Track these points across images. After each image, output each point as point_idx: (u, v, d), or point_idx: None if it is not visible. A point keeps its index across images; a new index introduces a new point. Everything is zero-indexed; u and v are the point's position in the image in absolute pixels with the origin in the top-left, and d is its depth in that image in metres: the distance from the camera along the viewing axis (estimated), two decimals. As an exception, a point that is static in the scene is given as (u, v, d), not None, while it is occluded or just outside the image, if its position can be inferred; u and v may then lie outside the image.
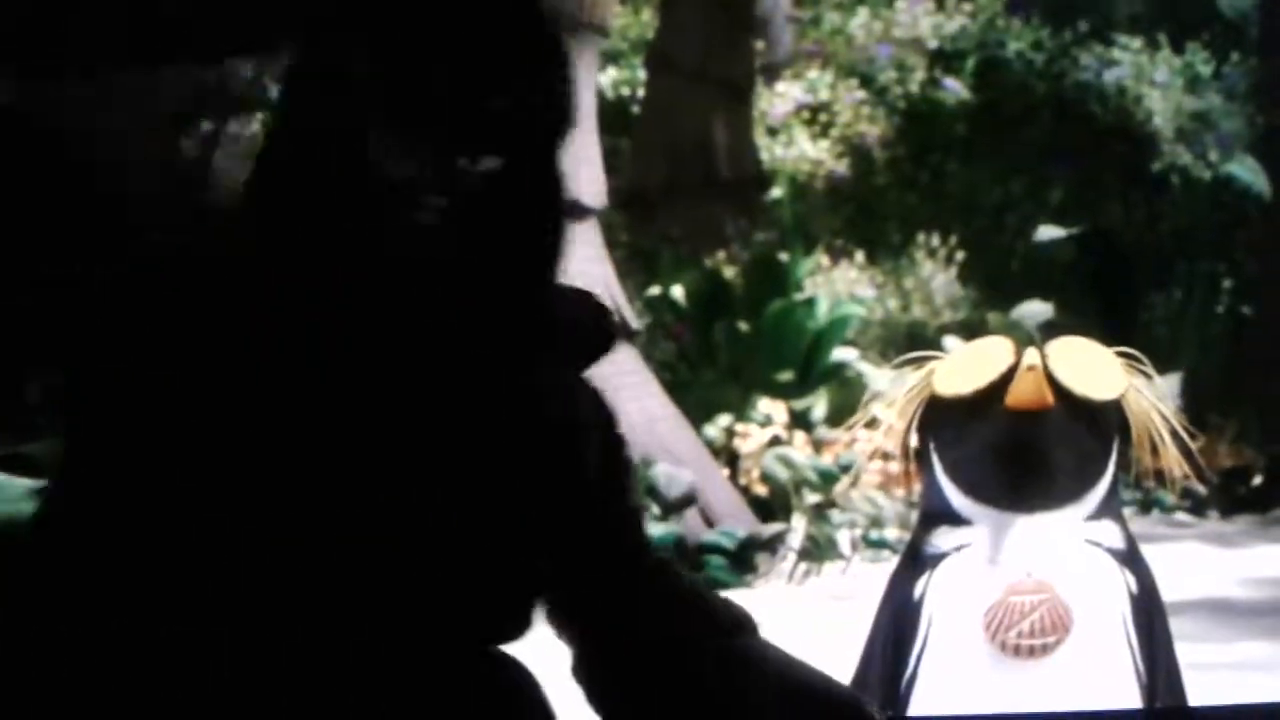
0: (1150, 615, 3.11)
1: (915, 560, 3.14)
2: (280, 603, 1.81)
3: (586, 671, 2.03)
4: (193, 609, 1.80)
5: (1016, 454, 3.06)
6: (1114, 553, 3.10)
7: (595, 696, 2.04)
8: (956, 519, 3.10)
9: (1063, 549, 3.06)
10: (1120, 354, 3.14)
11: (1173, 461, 3.08)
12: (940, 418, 3.11)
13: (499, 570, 1.88)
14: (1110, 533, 3.11)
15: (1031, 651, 3.01)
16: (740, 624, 2.07)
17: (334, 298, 1.81)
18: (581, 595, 2.01)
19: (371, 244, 1.80)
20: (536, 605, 1.96)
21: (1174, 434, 3.10)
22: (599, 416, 2.01)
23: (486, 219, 1.81)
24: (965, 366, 3.14)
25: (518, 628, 1.94)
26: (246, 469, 1.80)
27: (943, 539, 3.11)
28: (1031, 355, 3.08)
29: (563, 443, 1.94)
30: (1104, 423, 3.10)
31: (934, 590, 3.07)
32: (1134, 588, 3.08)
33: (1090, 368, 3.14)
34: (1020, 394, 3.02)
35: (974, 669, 3.04)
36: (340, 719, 1.83)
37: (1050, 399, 3.03)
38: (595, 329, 2.01)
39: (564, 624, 2.02)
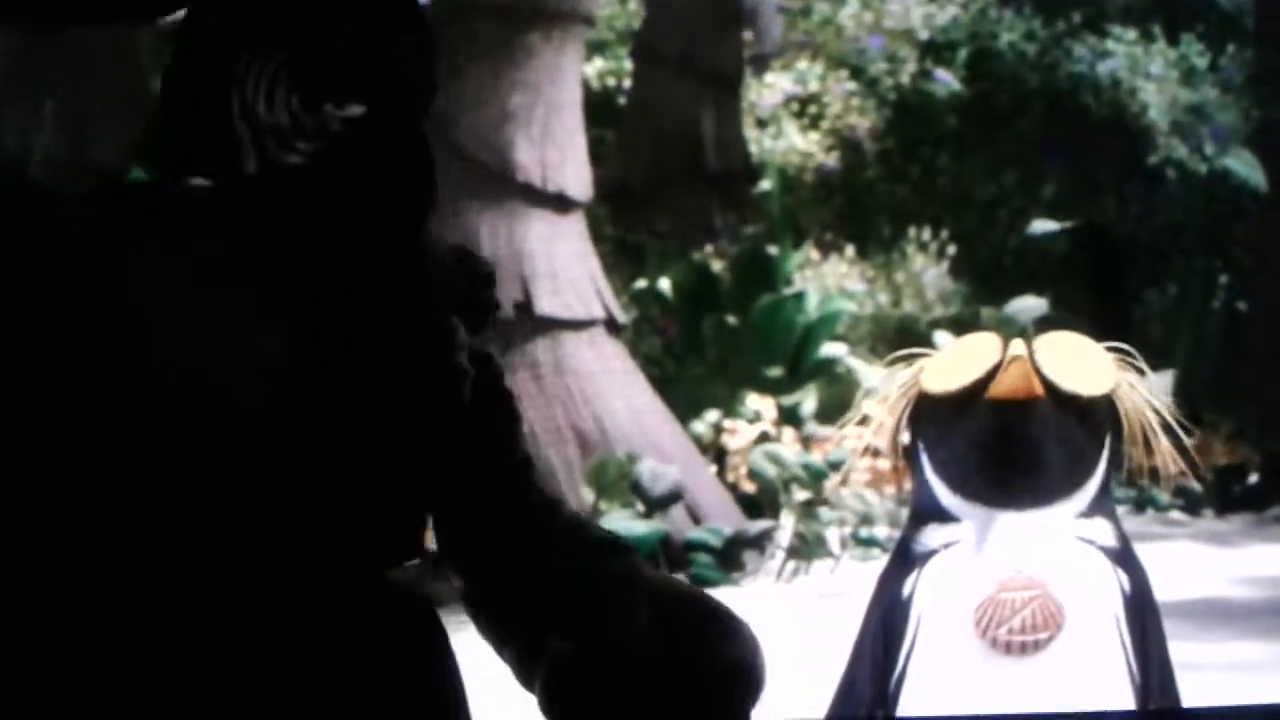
0: (1143, 615, 3.09)
1: (905, 558, 3.13)
2: (175, 535, 1.91)
3: (473, 601, 2.15)
4: (88, 544, 1.92)
5: (1003, 449, 3.06)
6: (1107, 551, 3.08)
7: (483, 625, 2.15)
8: (945, 516, 3.10)
9: (1054, 546, 3.05)
10: (1112, 349, 3.12)
11: (1167, 458, 3.07)
12: (929, 415, 3.14)
13: (378, 497, 1.99)
14: (1103, 530, 3.09)
15: (1023, 648, 2.99)
16: (624, 549, 2.17)
17: (213, 233, 1.95)
18: (463, 527, 2.12)
19: (245, 184, 1.95)
20: (417, 533, 2.07)
21: (1168, 430, 3.08)
22: (478, 361, 2.11)
23: (351, 164, 1.95)
24: (953, 363, 3.16)
25: (402, 554, 2.04)
26: (140, 396, 1.91)
27: (932, 536, 3.11)
28: (1017, 347, 3.08)
29: (434, 377, 2.05)
30: (1094, 419, 3.08)
31: (923, 588, 3.07)
32: (1127, 587, 3.06)
33: (1079, 363, 3.13)
34: (1005, 384, 3.03)
35: (964, 666, 3.02)
36: (238, 651, 1.93)
37: (1036, 388, 3.03)
38: (473, 287, 2.13)
39: (451, 557, 2.15)
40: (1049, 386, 3.06)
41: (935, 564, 3.09)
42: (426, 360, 2.05)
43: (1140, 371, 3.15)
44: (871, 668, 3.13)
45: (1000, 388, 3.02)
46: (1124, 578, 3.08)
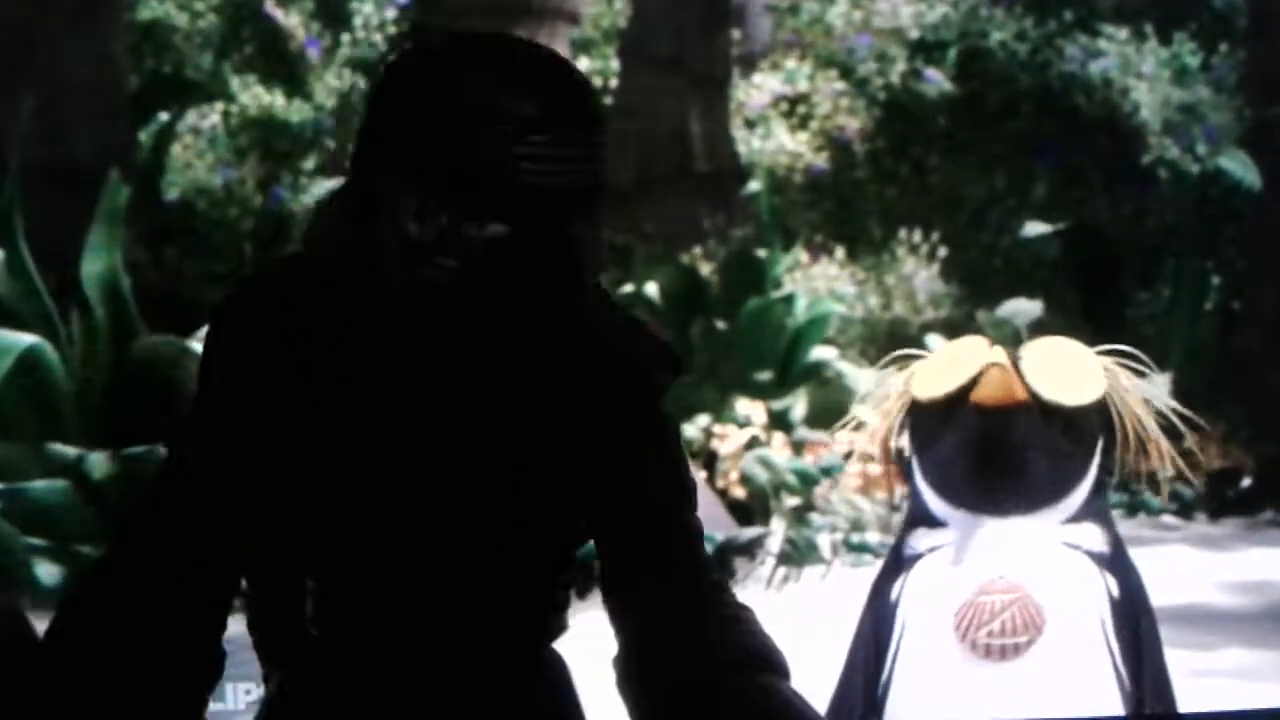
0: (1135, 621, 3.08)
1: (895, 562, 3.16)
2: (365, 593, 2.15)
3: (633, 670, 2.23)
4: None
5: (985, 455, 3.08)
6: (1094, 556, 3.08)
7: (632, 693, 2.23)
8: (933, 521, 3.13)
9: (1037, 551, 3.05)
10: (1114, 352, 3.12)
11: (1166, 461, 3.10)
12: (918, 419, 3.17)
13: (550, 575, 2.20)
14: (1091, 536, 3.09)
15: (1002, 652, 3.00)
16: (777, 665, 2.23)
17: (377, 344, 2.12)
18: (641, 602, 2.24)
19: (396, 292, 2.09)
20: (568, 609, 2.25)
21: (1170, 432, 3.11)
22: (656, 429, 2.27)
23: (493, 276, 2.05)
24: (940, 368, 3.18)
25: (559, 627, 2.24)
26: (332, 478, 2.11)
27: (920, 541, 3.13)
28: (998, 354, 3.09)
29: (627, 460, 2.22)
30: (1082, 425, 3.08)
31: (909, 592, 3.09)
32: (1116, 592, 3.06)
33: (1065, 370, 3.14)
34: (985, 390, 3.05)
35: (946, 670, 3.04)
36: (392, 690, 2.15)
37: (1017, 394, 3.05)
38: (656, 362, 2.26)
39: (620, 618, 2.26)
40: (1032, 394, 3.07)
41: (920, 568, 3.11)
42: (604, 411, 2.20)
43: (1142, 374, 3.14)
44: (862, 674, 3.15)
45: (981, 393, 3.04)
46: (1113, 583, 3.07)
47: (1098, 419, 3.10)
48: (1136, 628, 3.09)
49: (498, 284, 2.06)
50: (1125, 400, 3.07)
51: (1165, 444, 3.10)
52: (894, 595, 3.13)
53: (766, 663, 2.22)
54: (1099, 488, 3.13)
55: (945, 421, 3.11)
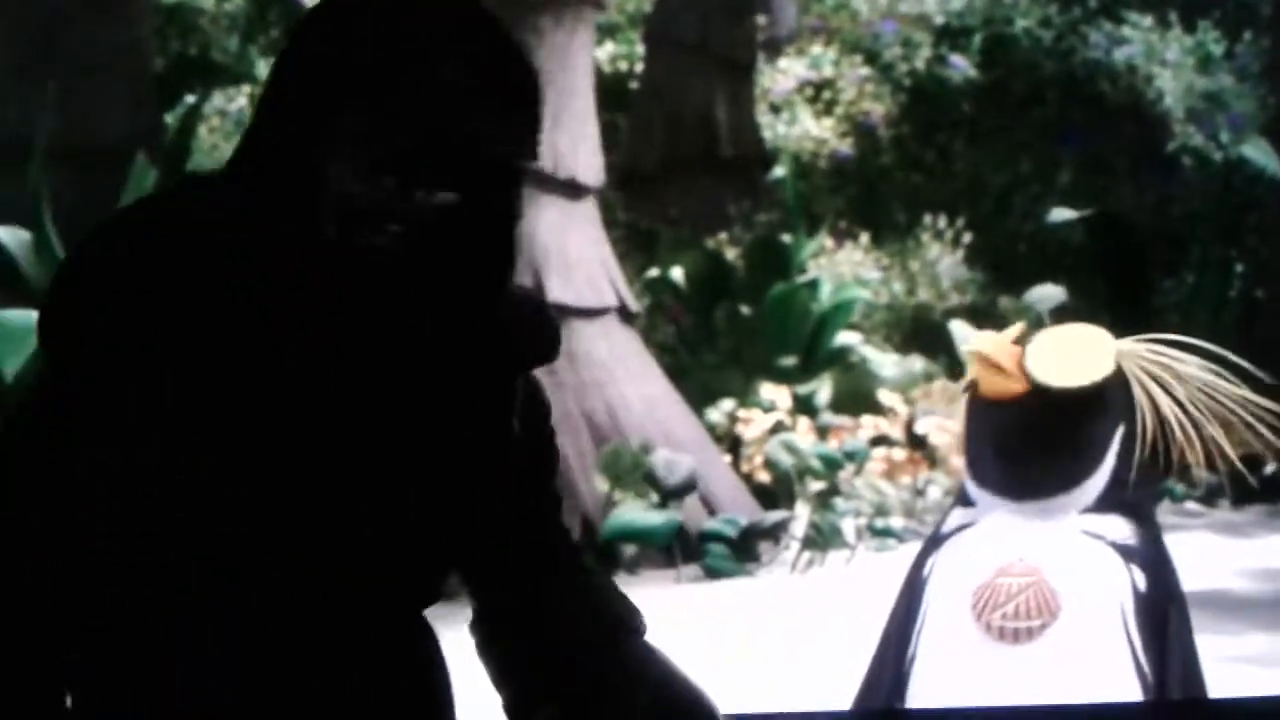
0: (1163, 614, 3.17)
1: (934, 539, 3.29)
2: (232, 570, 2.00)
3: (489, 636, 2.26)
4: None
5: (994, 443, 3.23)
6: (1119, 548, 3.16)
7: (487, 658, 2.27)
8: (968, 501, 3.27)
9: (1056, 537, 3.15)
10: (1155, 340, 3.24)
11: (1196, 453, 3.20)
12: (967, 401, 3.32)
13: (432, 545, 2.11)
14: (1116, 527, 3.18)
15: (1015, 635, 3.10)
16: (637, 629, 2.28)
17: (304, 305, 2.01)
18: (494, 574, 2.23)
19: (336, 262, 1.98)
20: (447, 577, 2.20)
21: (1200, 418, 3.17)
22: (537, 414, 2.23)
23: (439, 246, 1.98)
24: (970, 360, 3.33)
25: (434, 597, 2.16)
26: (231, 454, 1.99)
27: (954, 518, 3.25)
28: (998, 346, 3.21)
29: (500, 437, 2.15)
30: (1096, 413, 3.17)
31: (936, 569, 3.19)
32: (1142, 585, 3.15)
33: (1071, 355, 3.22)
34: (983, 386, 3.17)
35: (962, 649, 3.13)
36: (268, 685, 2.02)
37: (1012, 388, 3.16)
38: (539, 337, 2.20)
39: (480, 591, 2.26)
40: (1033, 383, 3.16)
41: (949, 545, 3.20)
42: (494, 428, 2.14)
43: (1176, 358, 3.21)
44: (894, 647, 3.22)
45: (982, 389, 3.15)
46: (1138, 575, 3.15)
47: (1114, 412, 3.16)
48: (1164, 621, 3.17)
49: (443, 254, 1.99)
50: (1150, 390, 3.12)
51: (1194, 437, 3.15)
52: (926, 571, 3.22)
53: (639, 623, 2.29)
54: (1120, 480, 3.21)
55: (969, 407, 3.25)
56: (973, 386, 3.19)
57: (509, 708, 2.26)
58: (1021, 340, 3.18)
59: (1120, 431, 3.17)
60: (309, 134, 1.97)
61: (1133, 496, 3.21)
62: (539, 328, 2.20)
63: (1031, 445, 3.17)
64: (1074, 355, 3.17)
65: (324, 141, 1.96)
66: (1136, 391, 3.15)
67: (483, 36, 2.01)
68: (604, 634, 2.25)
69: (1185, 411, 3.15)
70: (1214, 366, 3.15)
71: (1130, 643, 3.13)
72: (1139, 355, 3.13)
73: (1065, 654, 3.10)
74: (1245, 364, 3.18)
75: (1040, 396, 3.14)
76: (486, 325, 2.10)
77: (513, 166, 2.02)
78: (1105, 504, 3.20)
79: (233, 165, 2.04)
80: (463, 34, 2.00)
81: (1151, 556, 3.19)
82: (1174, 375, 3.13)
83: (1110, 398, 3.16)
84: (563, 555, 2.28)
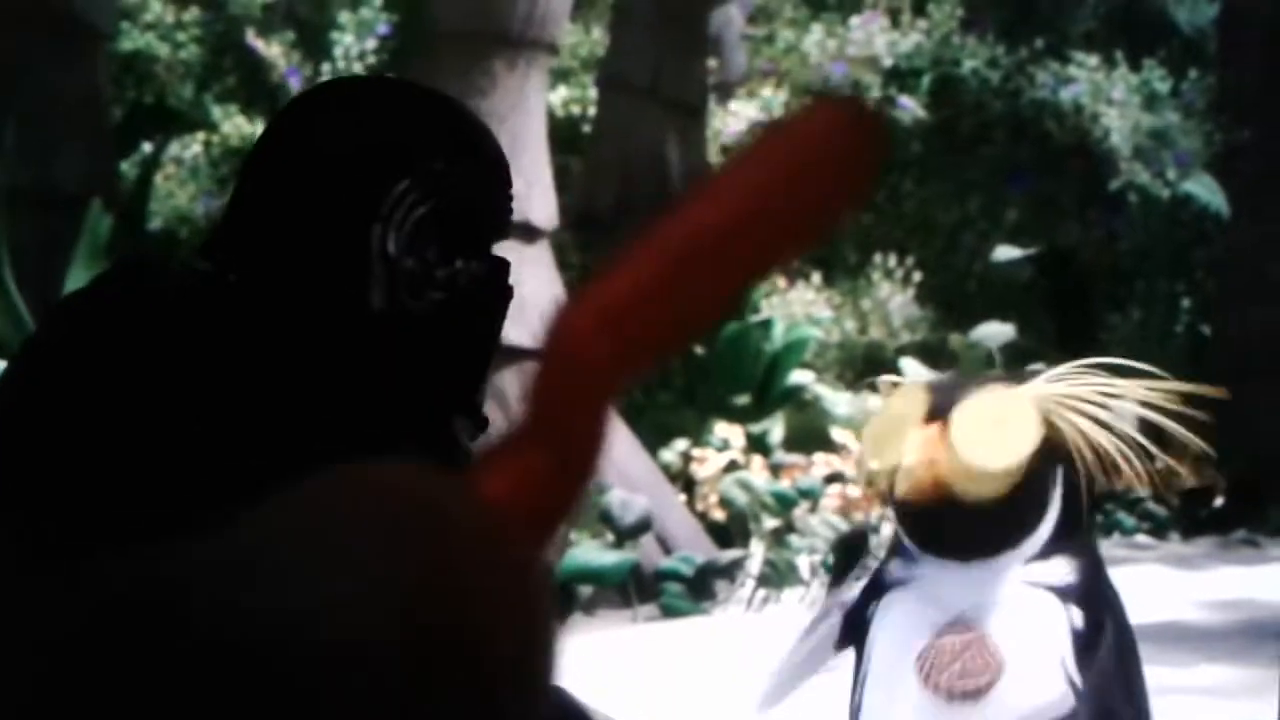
0: (1097, 649, 3.05)
1: (875, 585, 3.16)
2: None
3: None
4: None
5: (932, 519, 3.07)
6: (1058, 590, 3.05)
7: None
8: (909, 555, 3.12)
9: (996, 591, 3.04)
10: (1103, 366, 3.09)
11: (1141, 480, 3.04)
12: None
13: None
14: (1056, 570, 3.06)
15: (964, 695, 2.99)
16: None
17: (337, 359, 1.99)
18: None
19: (376, 324, 2.01)
20: None
21: (1142, 450, 3.04)
22: None
23: (465, 315, 2.05)
24: (880, 433, 3.19)
25: None
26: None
27: (896, 570, 3.13)
28: (912, 451, 3.03)
29: None
30: (1032, 476, 3.04)
31: (878, 621, 3.09)
32: (1079, 623, 3.03)
33: (997, 430, 3.07)
34: (906, 491, 3.03)
35: (911, 712, 3.03)
36: None
37: (938, 492, 3.01)
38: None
39: None
40: (963, 464, 3.02)
41: (891, 598, 3.11)
42: None
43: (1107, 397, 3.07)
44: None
45: (902, 493, 3.03)
46: (1076, 614, 3.05)
47: (1049, 464, 3.06)
48: (1101, 654, 3.07)
49: (477, 319, 2.08)
50: (1081, 434, 3.02)
51: (1138, 465, 3.02)
52: (869, 614, 3.15)
53: None
54: (1069, 523, 3.10)
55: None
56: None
57: None
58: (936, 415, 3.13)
59: (1059, 474, 3.07)
60: (360, 208, 2.02)
61: (1072, 535, 3.14)
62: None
63: (970, 516, 3.06)
64: (1000, 429, 3.04)
65: (376, 215, 2.02)
66: (1067, 431, 3.03)
67: (484, 126, 2.13)
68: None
69: (1122, 438, 3.04)
70: (1147, 383, 3.13)
71: (1071, 683, 3.03)
72: (1058, 396, 3.10)
73: (1017, 706, 3.02)
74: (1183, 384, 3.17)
75: (969, 478, 3.04)
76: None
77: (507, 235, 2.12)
78: (1051, 548, 3.09)
79: (228, 247, 2.04)
80: (474, 119, 2.12)
81: (1090, 590, 3.10)
82: (1099, 404, 3.07)
83: (1042, 447, 3.05)
84: None
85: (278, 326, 1.99)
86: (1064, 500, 3.08)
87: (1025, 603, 3.05)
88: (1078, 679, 3.03)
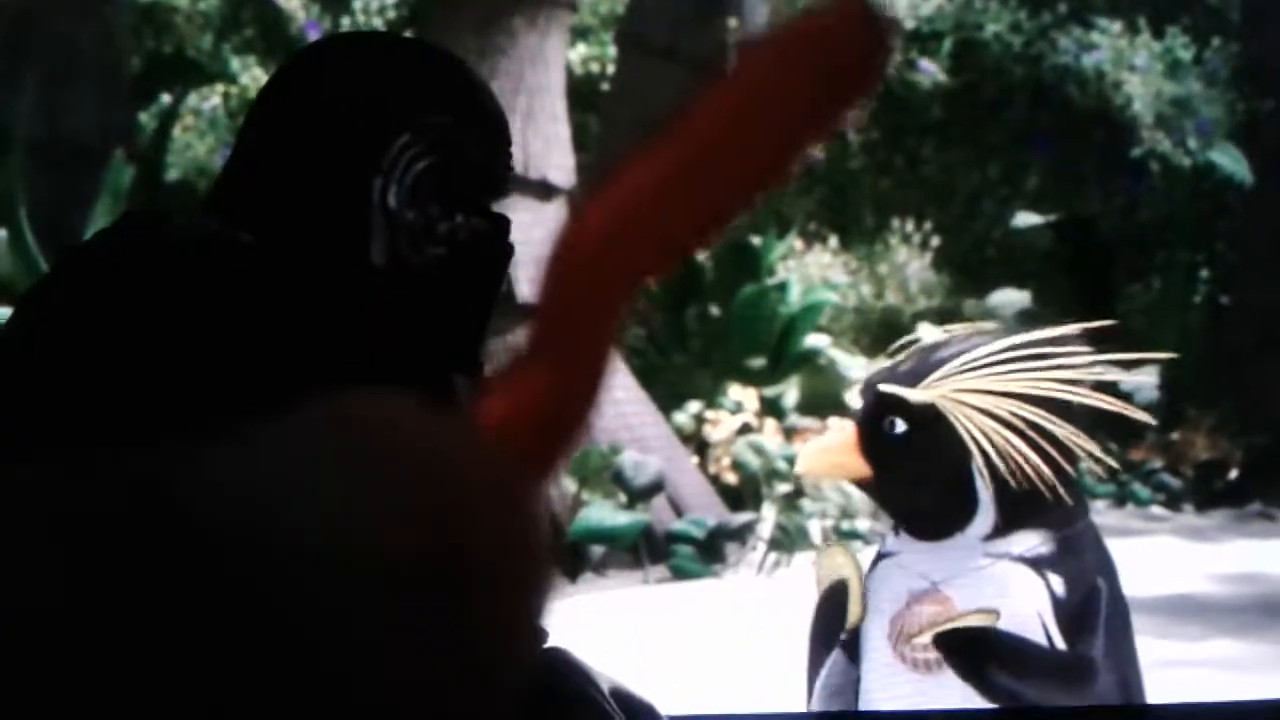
0: (1084, 615, 3.04)
1: (876, 555, 3.20)
2: None
3: None
4: None
5: (882, 503, 3.21)
6: (1028, 560, 3.06)
7: None
8: (895, 526, 3.19)
9: (966, 563, 3.06)
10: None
11: (1029, 469, 3.01)
12: None
13: None
14: (1023, 541, 3.07)
15: (927, 665, 3.02)
16: None
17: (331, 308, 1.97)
18: None
19: (377, 279, 2.01)
20: None
21: (1046, 435, 3.02)
22: None
23: (464, 271, 2.05)
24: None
25: None
26: None
27: (888, 541, 3.18)
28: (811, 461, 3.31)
29: None
30: (931, 447, 3.07)
31: (869, 591, 3.14)
32: (1060, 590, 3.04)
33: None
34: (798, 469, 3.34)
35: (883, 678, 3.08)
36: None
37: (858, 475, 3.14)
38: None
39: None
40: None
41: (879, 570, 3.14)
42: None
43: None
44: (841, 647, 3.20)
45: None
46: (1056, 581, 3.05)
47: (952, 451, 3.08)
48: (1085, 622, 3.07)
49: (478, 276, 2.09)
50: (978, 432, 3.04)
51: (1041, 463, 3.01)
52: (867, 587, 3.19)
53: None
54: (1024, 501, 3.08)
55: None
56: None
57: None
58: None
59: (974, 464, 3.08)
60: (362, 162, 2.02)
61: (1030, 510, 3.10)
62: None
63: (903, 504, 3.15)
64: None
65: (377, 169, 2.02)
66: (964, 431, 3.06)
67: (482, 79, 2.14)
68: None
69: (1017, 431, 3.03)
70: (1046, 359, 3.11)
71: (1053, 648, 3.06)
72: (948, 392, 3.07)
73: None
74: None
75: (884, 466, 3.10)
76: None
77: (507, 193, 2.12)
78: (1004, 527, 3.11)
79: (228, 195, 2.05)
80: (477, 76, 2.14)
81: (1068, 559, 3.10)
82: (987, 393, 3.06)
83: (937, 445, 3.08)
84: None
85: (279, 278, 1.96)
86: (997, 484, 3.06)
87: (996, 574, 3.07)
88: (1061, 645, 3.03)
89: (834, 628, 3.21)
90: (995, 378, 3.07)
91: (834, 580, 3.20)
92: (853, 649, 3.20)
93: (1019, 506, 3.07)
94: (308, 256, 1.99)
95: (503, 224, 2.10)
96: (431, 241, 2.03)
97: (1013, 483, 3.05)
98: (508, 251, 2.11)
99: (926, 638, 3.02)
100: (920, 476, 3.13)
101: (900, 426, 3.14)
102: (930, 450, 3.09)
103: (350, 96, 2.06)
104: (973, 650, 3.04)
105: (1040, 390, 3.05)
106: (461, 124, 2.06)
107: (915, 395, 3.10)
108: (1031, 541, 3.08)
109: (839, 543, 3.29)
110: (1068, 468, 3.08)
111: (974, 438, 3.05)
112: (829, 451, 3.16)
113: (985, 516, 3.09)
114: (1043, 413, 3.04)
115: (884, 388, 3.16)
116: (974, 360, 3.09)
